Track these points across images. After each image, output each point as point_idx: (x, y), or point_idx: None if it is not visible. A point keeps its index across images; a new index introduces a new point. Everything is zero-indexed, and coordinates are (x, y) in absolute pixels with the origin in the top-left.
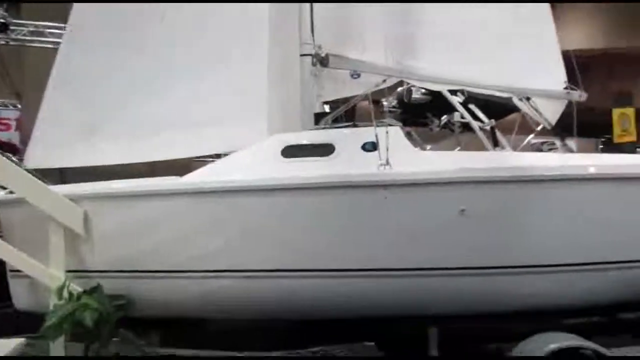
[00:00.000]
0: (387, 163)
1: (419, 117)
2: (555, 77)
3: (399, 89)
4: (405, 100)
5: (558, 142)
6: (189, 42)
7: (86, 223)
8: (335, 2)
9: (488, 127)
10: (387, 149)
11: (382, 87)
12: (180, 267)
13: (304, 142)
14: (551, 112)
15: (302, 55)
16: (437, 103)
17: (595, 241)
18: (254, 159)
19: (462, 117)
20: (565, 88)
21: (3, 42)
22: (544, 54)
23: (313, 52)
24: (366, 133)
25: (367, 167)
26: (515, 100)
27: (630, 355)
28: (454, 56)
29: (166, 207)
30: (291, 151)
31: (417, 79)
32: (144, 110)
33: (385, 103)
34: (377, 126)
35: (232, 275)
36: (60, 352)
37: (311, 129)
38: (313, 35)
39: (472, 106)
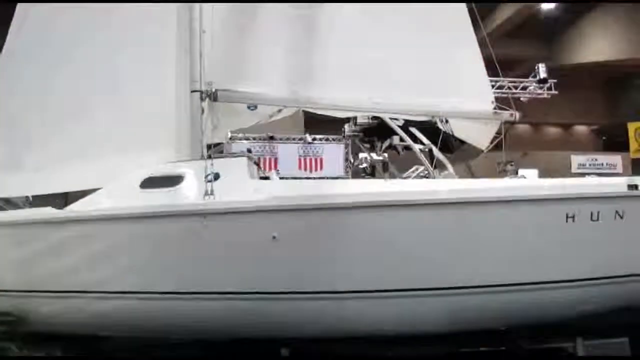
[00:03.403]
0: (211, 193)
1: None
2: (481, 98)
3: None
4: (352, 126)
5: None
6: (94, 79)
7: None
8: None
9: (427, 150)
10: (211, 180)
11: (277, 117)
12: (61, 288)
13: (160, 174)
14: (484, 132)
15: (192, 91)
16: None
17: (404, 268)
18: (119, 189)
19: (402, 140)
20: (494, 108)
21: None
22: (466, 77)
23: (202, 88)
24: (212, 165)
25: (199, 196)
26: (438, 123)
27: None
28: (357, 84)
29: (47, 234)
30: (149, 182)
31: (316, 107)
32: (56, 145)
33: (347, 128)
34: (223, 158)
35: (94, 295)
36: None
37: (169, 162)
38: (201, 72)
39: (413, 129)
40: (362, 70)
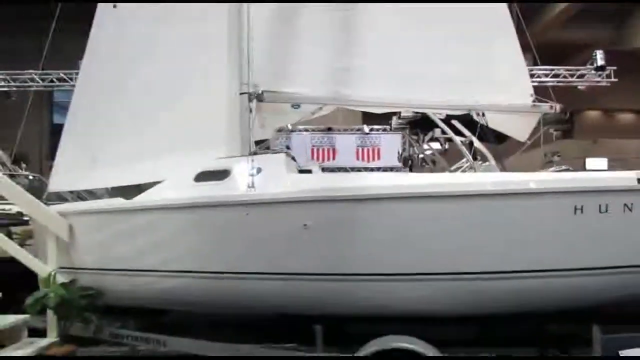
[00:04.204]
0: (252, 186)
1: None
2: (520, 91)
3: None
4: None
5: None
6: (160, 81)
7: (70, 232)
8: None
9: (467, 142)
10: (253, 174)
11: (319, 114)
12: (136, 267)
13: (210, 169)
14: (524, 124)
15: (241, 93)
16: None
17: (420, 254)
18: (177, 182)
19: (444, 133)
20: (533, 101)
21: None
22: (504, 70)
23: (249, 90)
24: (253, 161)
25: (243, 189)
26: (475, 116)
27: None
28: (395, 80)
29: (118, 221)
30: (202, 176)
31: (355, 104)
32: (128, 143)
33: (394, 121)
34: (260, 154)
35: (158, 274)
36: (38, 324)
37: (219, 158)
38: (249, 76)
39: (455, 122)
40: (398, 68)
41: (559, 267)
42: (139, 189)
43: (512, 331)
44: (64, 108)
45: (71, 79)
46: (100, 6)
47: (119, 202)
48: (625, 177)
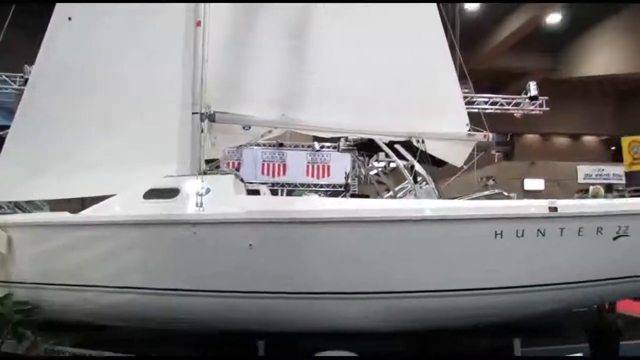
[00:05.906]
0: (201, 205)
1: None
2: (456, 120)
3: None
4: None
5: None
6: (112, 99)
7: (9, 245)
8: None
9: (409, 165)
10: (202, 194)
11: (268, 136)
12: (80, 282)
13: (159, 187)
14: (460, 151)
15: (193, 113)
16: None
17: (356, 274)
18: (126, 198)
19: (387, 156)
20: (469, 130)
21: None
22: (442, 100)
23: (202, 110)
24: (203, 181)
25: (191, 208)
26: (414, 142)
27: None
28: (340, 107)
29: (64, 235)
30: (151, 194)
31: (302, 128)
32: (76, 157)
33: (341, 143)
34: (209, 174)
35: (100, 290)
36: None
37: (169, 176)
38: (202, 96)
39: (397, 146)
40: (344, 95)
41: (482, 286)
42: (81, 201)
43: (446, 346)
44: (2, 109)
45: (14, 82)
46: (55, 17)
47: (65, 216)
48: (538, 206)
